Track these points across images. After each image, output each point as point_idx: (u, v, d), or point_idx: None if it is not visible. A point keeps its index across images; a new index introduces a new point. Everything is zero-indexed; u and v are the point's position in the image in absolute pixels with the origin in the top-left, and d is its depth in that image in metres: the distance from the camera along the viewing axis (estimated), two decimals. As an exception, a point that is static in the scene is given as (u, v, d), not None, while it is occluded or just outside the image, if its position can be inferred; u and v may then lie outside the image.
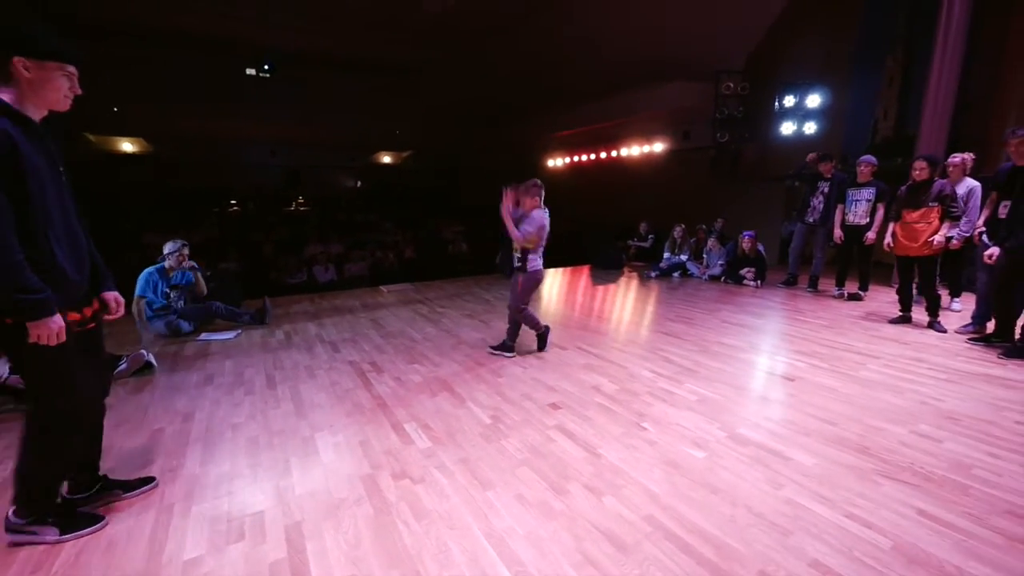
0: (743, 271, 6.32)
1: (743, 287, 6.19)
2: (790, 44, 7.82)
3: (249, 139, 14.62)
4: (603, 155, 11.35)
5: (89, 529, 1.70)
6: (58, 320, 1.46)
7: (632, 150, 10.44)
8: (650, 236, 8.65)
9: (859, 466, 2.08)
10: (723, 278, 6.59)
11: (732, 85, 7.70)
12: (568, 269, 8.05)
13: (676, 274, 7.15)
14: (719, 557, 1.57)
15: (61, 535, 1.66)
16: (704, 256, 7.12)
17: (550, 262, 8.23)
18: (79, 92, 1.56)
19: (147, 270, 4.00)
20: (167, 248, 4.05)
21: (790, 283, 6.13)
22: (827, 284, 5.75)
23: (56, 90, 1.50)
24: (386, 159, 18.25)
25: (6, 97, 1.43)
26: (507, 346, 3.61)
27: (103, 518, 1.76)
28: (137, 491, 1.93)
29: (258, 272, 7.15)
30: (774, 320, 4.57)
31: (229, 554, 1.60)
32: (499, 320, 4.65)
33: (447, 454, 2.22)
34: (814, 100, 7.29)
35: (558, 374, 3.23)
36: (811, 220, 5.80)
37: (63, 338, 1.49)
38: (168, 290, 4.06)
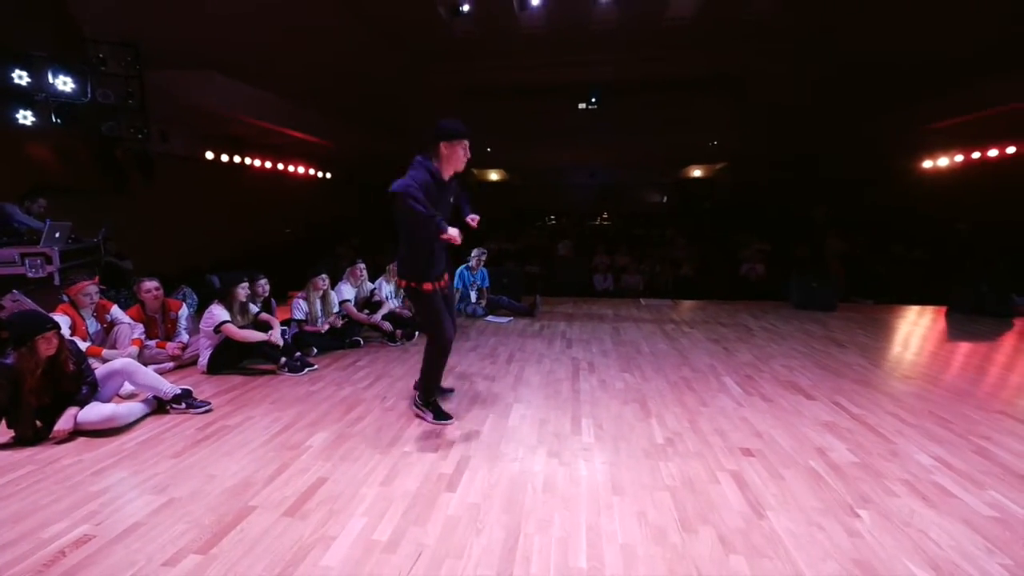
0: None
1: None
2: None
3: (574, 164, 17.26)
4: None
5: (445, 421, 2.66)
6: (452, 230, 2.33)
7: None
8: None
9: None
10: None
11: None
12: (920, 308, 6.09)
13: None
14: None
15: (433, 420, 2.69)
16: None
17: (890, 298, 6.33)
18: (470, 156, 2.53)
19: (460, 268, 5.61)
20: (473, 252, 5.55)
21: None
22: None
23: (458, 158, 2.49)
24: (696, 172, 17.85)
25: (436, 164, 2.45)
26: None
27: (451, 417, 2.69)
28: (445, 394, 3.03)
29: (551, 275, 8.58)
30: None
31: (426, 457, 2.32)
32: (747, 350, 4.13)
33: (602, 453, 2.36)
34: None
35: (780, 422, 2.72)
36: None
37: (458, 241, 2.36)
38: (473, 282, 5.56)
